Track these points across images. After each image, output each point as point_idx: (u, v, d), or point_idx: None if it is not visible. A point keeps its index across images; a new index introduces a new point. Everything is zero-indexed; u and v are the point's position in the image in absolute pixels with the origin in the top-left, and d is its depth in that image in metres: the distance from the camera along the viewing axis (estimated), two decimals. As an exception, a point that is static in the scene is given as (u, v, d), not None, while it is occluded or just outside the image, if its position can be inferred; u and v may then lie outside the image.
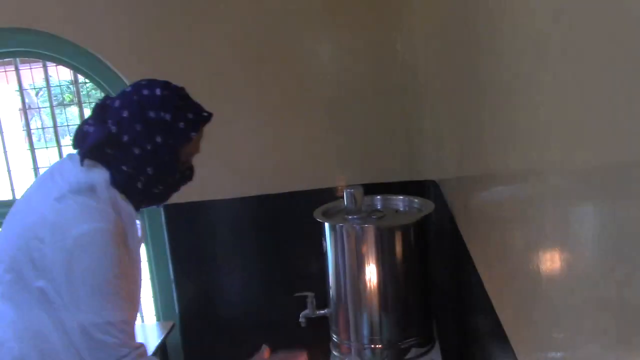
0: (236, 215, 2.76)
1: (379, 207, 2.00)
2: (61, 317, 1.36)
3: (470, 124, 1.45)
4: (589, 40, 0.59)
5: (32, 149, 2.95)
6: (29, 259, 1.34)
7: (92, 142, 1.42)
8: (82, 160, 1.43)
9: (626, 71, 0.50)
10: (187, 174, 1.61)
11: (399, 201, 2.02)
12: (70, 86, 3.72)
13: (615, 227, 0.56)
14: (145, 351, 1.41)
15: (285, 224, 2.76)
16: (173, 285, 2.78)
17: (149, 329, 2.75)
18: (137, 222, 1.50)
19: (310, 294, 1.92)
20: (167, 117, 1.45)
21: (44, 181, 1.49)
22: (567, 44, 0.66)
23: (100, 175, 1.43)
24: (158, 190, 1.53)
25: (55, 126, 2.98)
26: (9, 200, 2.97)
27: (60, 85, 3.82)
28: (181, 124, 1.47)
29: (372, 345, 1.81)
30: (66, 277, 1.33)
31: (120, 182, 1.44)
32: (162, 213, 2.62)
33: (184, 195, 1.69)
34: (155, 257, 2.74)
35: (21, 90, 2.95)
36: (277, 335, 1.73)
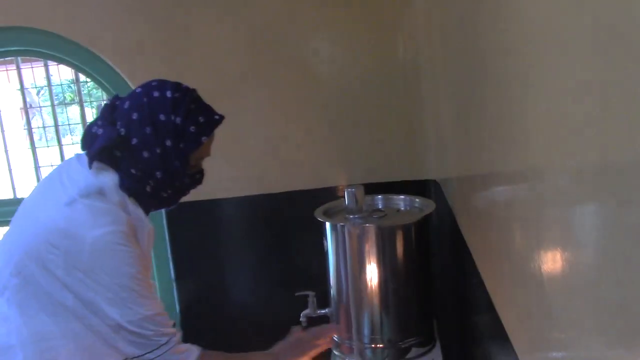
0: (237, 214, 2.76)
1: (380, 207, 2.00)
2: (71, 323, 1.35)
3: (471, 124, 1.45)
4: (590, 40, 0.59)
5: (33, 148, 2.95)
6: (39, 264, 1.33)
7: (101, 145, 1.40)
8: (90, 163, 1.41)
9: (628, 70, 0.50)
10: (197, 178, 1.58)
11: (400, 201, 2.02)
12: (72, 85, 3.73)
13: (616, 227, 0.56)
14: (180, 338, 1.43)
15: (286, 224, 2.76)
16: (174, 285, 2.78)
17: (149, 328, 2.75)
18: (149, 226, 1.49)
19: (311, 293, 1.92)
20: (178, 120, 1.43)
21: (52, 184, 1.47)
22: (569, 44, 0.66)
23: (109, 179, 1.42)
24: (167, 194, 1.51)
25: (56, 125, 2.99)
26: (10, 199, 2.97)
27: (61, 84, 3.82)
28: (192, 128, 1.45)
29: (373, 345, 1.81)
30: (89, 280, 1.32)
31: (129, 186, 1.43)
32: (163, 212, 2.62)
33: (185, 194, 1.69)
34: (156, 256, 2.74)
35: (22, 89, 2.96)
36: (278, 334, 1.73)
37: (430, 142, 2.53)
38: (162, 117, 1.42)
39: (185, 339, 1.47)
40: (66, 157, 2.87)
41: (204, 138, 1.47)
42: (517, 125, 0.95)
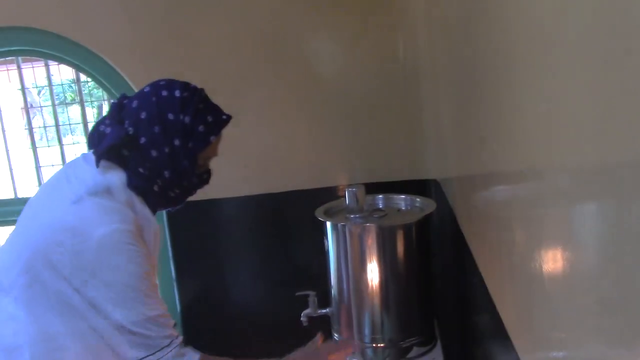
0: (238, 214, 2.76)
1: (380, 206, 2.00)
2: (77, 322, 1.35)
3: (471, 123, 1.45)
4: (590, 40, 0.59)
5: (34, 148, 2.95)
6: (46, 262, 1.32)
7: (108, 144, 1.40)
8: (97, 162, 1.41)
9: (628, 70, 0.50)
10: (204, 178, 1.58)
11: (401, 200, 2.02)
12: (72, 85, 3.73)
13: (617, 226, 0.56)
14: (182, 341, 1.42)
15: (287, 223, 2.76)
16: (175, 284, 2.78)
17: (150, 328, 2.75)
18: (155, 225, 1.49)
19: (311, 293, 1.92)
20: (187, 119, 1.43)
21: (59, 182, 1.46)
22: (569, 44, 0.66)
23: (117, 177, 1.41)
24: (174, 193, 1.51)
25: (57, 125, 2.99)
26: (11, 199, 2.98)
27: (62, 84, 3.83)
28: (200, 127, 1.45)
29: (374, 344, 1.81)
30: (95, 280, 1.31)
31: (136, 184, 1.42)
32: (164, 212, 2.62)
33: (185, 194, 1.69)
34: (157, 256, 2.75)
35: (23, 89, 2.96)
36: (279, 334, 1.73)
37: (431, 142, 2.53)
38: (170, 116, 1.43)
39: (186, 339, 1.47)
40: (67, 157, 2.90)
41: (212, 137, 1.47)
42: (518, 124, 0.95)
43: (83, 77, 2.87)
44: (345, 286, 1.83)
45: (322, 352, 1.65)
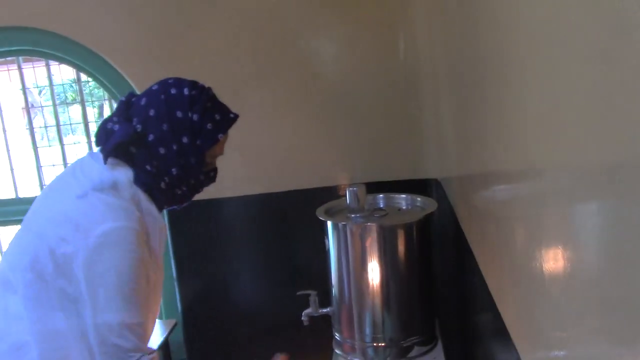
0: (238, 213, 2.76)
1: (381, 206, 2.00)
2: (79, 319, 1.34)
3: (472, 123, 1.45)
4: (591, 39, 0.59)
5: (35, 148, 2.95)
6: (50, 258, 1.32)
7: (116, 141, 1.40)
8: (105, 159, 1.41)
9: (629, 69, 0.50)
10: (211, 176, 1.59)
11: (402, 200, 2.02)
12: (73, 85, 3.73)
13: (618, 225, 0.56)
14: (156, 358, 1.39)
15: (287, 223, 2.76)
16: (175, 284, 2.79)
17: (151, 327, 2.76)
18: (161, 223, 1.49)
19: (312, 293, 1.92)
20: (195, 117, 1.44)
21: (66, 179, 1.47)
22: (570, 43, 0.66)
23: (123, 174, 1.41)
24: (181, 191, 1.51)
25: (57, 125, 2.99)
26: (12, 199, 2.98)
27: (63, 84, 3.83)
28: (209, 125, 1.46)
29: (375, 344, 1.81)
30: (86, 276, 1.31)
31: (144, 182, 1.43)
32: (165, 211, 2.62)
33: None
34: (158, 255, 2.75)
35: (24, 89, 2.96)
36: (280, 333, 1.73)
37: (432, 141, 2.53)
38: (179, 114, 1.43)
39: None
40: (68, 157, 2.90)
41: (220, 135, 1.48)
42: (518, 124, 0.95)
43: (84, 77, 2.87)
44: (346, 286, 1.83)
45: None
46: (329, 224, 1.83)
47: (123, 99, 1.51)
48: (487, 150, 1.26)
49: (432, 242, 1.90)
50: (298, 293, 1.94)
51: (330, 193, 2.55)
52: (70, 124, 3.50)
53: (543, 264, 0.84)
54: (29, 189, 3.18)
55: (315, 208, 1.92)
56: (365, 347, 1.82)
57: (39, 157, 2.97)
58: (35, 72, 3.15)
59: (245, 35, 2.57)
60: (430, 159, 2.57)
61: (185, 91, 1.45)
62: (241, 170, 2.63)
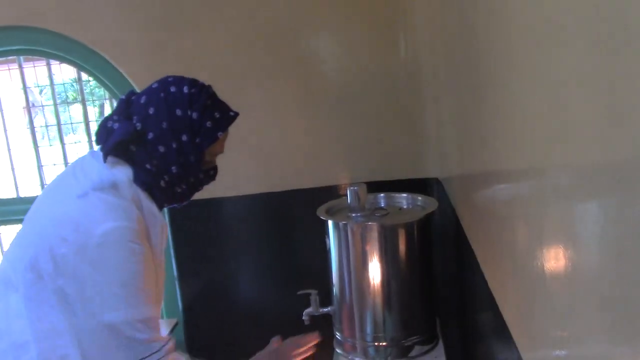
0: (239, 213, 2.76)
1: (382, 205, 2.00)
2: (79, 319, 1.34)
3: (472, 122, 1.45)
4: (592, 38, 0.59)
5: (36, 147, 2.95)
6: (50, 258, 1.32)
7: (116, 139, 1.40)
8: (105, 157, 1.41)
9: (630, 68, 0.50)
10: (210, 174, 1.59)
11: (403, 199, 2.02)
12: (74, 84, 3.73)
13: (619, 225, 0.56)
14: (173, 346, 1.41)
15: (288, 222, 2.76)
16: (176, 283, 2.79)
17: (152, 327, 2.76)
18: (162, 221, 1.49)
19: (313, 292, 1.93)
20: (195, 115, 1.44)
21: (66, 178, 1.47)
22: (571, 42, 0.66)
23: (123, 173, 1.41)
24: (181, 189, 1.51)
25: (58, 124, 2.99)
26: (13, 199, 2.98)
27: (63, 83, 3.82)
28: (208, 123, 1.46)
29: (376, 343, 1.81)
30: (91, 276, 1.31)
31: (143, 180, 1.43)
32: (166, 210, 2.62)
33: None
34: (159, 254, 2.75)
35: (25, 88, 2.96)
36: (281, 333, 1.73)
37: (432, 141, 2.53)
38: (178, 112, 1.43)
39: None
40: (69, 156, 2.90)
41: (219, 133, 1.48)
42: (519, 123, 0.95)
43: (85, 76, 2.87)
44: (347, 285, 1.83)
45: (284, 350, 1.65)
46: (330, 223, 1.83)
47: (123, 97, 1.51)
48: (488, 150, 1.26)
49: (433, 241, 1.90)
50: (299, 292, 1.94)
51: (331, 192, 2.55)
52: (71, 123, 3.50)
53: (544, 263, 0.83)
54: (30, 188, 3.18)
55: (316, 207, 1.92)
56: (366, 347, 1.82)
57: (39, 157, 2.97)
58: (36, 71, 3.15)
59: (246, 34, 2.57)
60: (431, 158, 2.56)
61: (185, 89, 1.45)
62: (242, 169, 2.63)
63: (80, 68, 2.73)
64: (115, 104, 2.75)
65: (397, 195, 2.03)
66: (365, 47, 2.58)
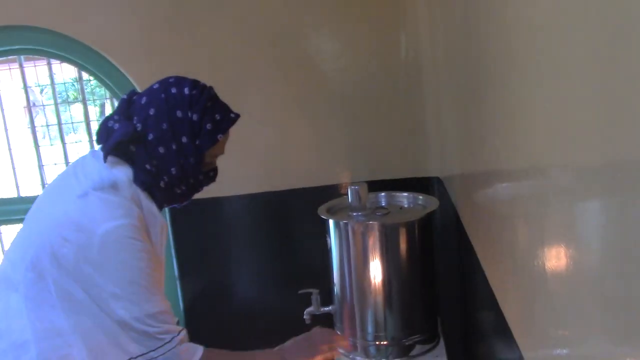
0: (240, 212, 2.76)
1: (383, 204, 2.00)
2: (81, 318, 1.35)
3: (473, 121, 1.45)
4: (593, 37, 0.59)
5: (37, 146, 2.95)
6: (52, 258, 1.33)
7: (116, 139, 1.40)
8: (105, 157, 1.41)
9: (632, 67, 0.50)
10: (210, 175, 1.60)
11: (404, 198, 2.02)
12: (75, 84, 3.73)
13: (621, 224, 0.56)
14: (186, 336, 1.42)
15: (289, 221, 2.76)
16: (177, 283, 2.79)
17: (153, 326, 2.76)
18: (162, 221, 1.49)
19: (314, 291, 1.93)
20: (195, 117, 1.44)
21: (67, 178, 1.47)
22: (572, 41, 0.66)
23: (123, 173, 1.42)
24: (180, 190, 1.51)
25: (59, 124, 2.99)
26: (14, 198, 2.98)
27: (64, 83, 3.82)
28: (208, 125, 1.45)
29: (377, 342, 1.81)
30: (99, 275, 1.31)
31: (143, 180, 1.43)
32: (167, 210, 2.62)
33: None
34: (160, 254, 2.75)
35: (25, 87, 2.96)
36: (282, 332, 1.73)
37: (433, 140, 2.53)
38: (179, 113, 1.43)
39: (190, 337, 1.47)
40: (69, 155, 2.90)
41: (219, 135, 1.48)
42: (521, 122, 0.95)
43: (85, 75, 2.87)
44: (348, 284, 1.83)
45: (314, 341, 1.65)
46: (331, 222, 1.83)
47: (124, 97, 1.51)
48: (489, 149, 1.26)
49: (434, 240, 1.90)
50: (300, 292, 1.94)
51: (332, 191, 2.55)
52: (72, 122, 3.49)
53: (545, 262, 0.83)
54: (31, 187, 3.18)
55: (317, 206, 1.92)
56: (367, 346, 1.82)
57: (40, 156, 2.97)
58: (37, 70, 3.15)
59: (246, 34, 2.57)
60: (432, 157, 2.56)
61: (186, 90, 1.45)
62: (243, 168, 2.63)
63: (81, 67, 2.73)
64: (116, 104, 2.76)
65: (398, 194, 2.03)
66: (366, 46, 2.57)
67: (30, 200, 1.52)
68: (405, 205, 1.99)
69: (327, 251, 1.89)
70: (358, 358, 1.84)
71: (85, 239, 1.31)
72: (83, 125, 3.05)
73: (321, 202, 1.97)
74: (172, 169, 1.44)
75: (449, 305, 2.21)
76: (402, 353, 1.81)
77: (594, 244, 0.65)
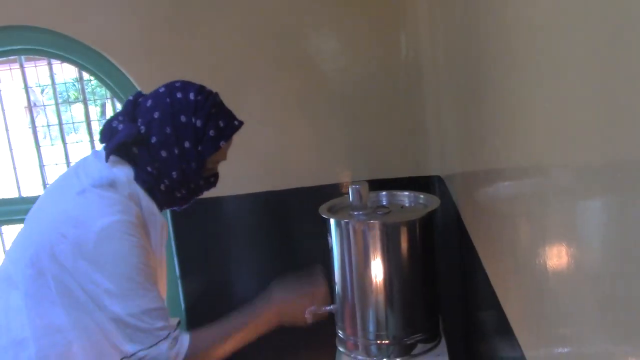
0: (242, 211, 2.76)
1: (384, 203, 2.00)
2: (81, 314, 1.36)
3: (474, 120, 1.45)
4: (594, 35, 0.59)
5: (38, 147, 2.96)
6: (51, 254, 1.34)
7: (120, 140, 1.41)
8: (107, 157, 1.42)
9: (633, 65, 0.50)
10: (211, 181, 1.61)
11: (405, 197, 2.01)
12: (75, 84, 3.73)
13: (622, 223, 0.56)
14: (179, 332, 1.43)
15: (290, 220, 2.76)
16: (179, 282, 2.79)
17: (155, 326, 2.76)
18: (162, 219, 1.50)
19: (316, 290, 1.92)
20: (199, 123, 1.45)
21: (68, 178, 1.48)
22: (573, 40, 0.66)
23: (123, 172, 1.43)
24: (180, 194, 1.52)
25: (60, 124, 2.99)
26: (15, 198, 2.98)
27: (65, 83, 3.82)
28: (211, 132, 1.46)
29: (378, 341, 1.81)
30: (92, 272, 1.32)
31: (144, 180, 1.44)
32: (168, 210, 2.62)
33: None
34: (161, 253, 2.75)
35: (26, 87, 2.96)
36: (283, 331, 1.73)
37: (434, 138, 2.53)
38: (183, 118, 1.44)
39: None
40: (70, 155, 2.90)
41: (222, 143, 1.49)
42: (522, 121, 0.95)
43: (86, 75, 2.87)
44: (349, 283, 1.83)
45: (296, 307, 1.67)
46: (332, 221, 1.83)
47: (130, 98, 1.52)
48: (490, 148, 1.26)
49: (435, 239, 1.90)
50: (301, 291, 1.93)
51: (333, 191, 2.55)
52: (73, 122, 3.50)
53: (547, 261, 0.83)
54: (32, 188, 3.19)
55: (318, 206, 1.92)
56: (368, 345, 1.82)
57: (41, 156, 2.97)
58: (38, 71, 3.15)
59: (247, 34, 2.57)
60: (433, 156, 2.56)
61: (191, 96, 1.46)
62: (243, 168, 2.62)
63: (81, 67, 2.73)
64: (117, 104, 2.77)
65: (399, 193, 2.03)
66: (366, 45, 2.57)
67: (31, 200, 1.53)
68: (407, 204, 1.99)
69: (328, 250, 1.89)
70: (359, 357, 1.84)
71: (81, 234, 1.33)
72: (84, 125, 3.06)
73: (322, 201, 1.97)
74: (173, 173, 1.45)
75: (450, 304, 2.21)
76: (404, 352, 1.81)
77: (595, 243, 0.65)
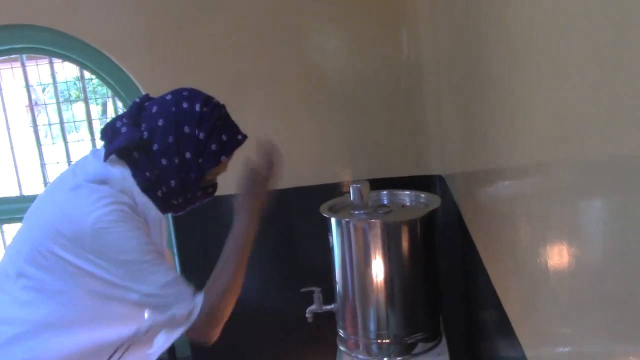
0: (242, 210, 2.76)
1: (385, 202, 2.00)
2: (80, 310, 1.37)
3: (475, 119, 1.45)
4: (595, 34, 0.59)
5: (39, 145, 2.96)
6: (48, 250, 1.34)
7: (121, 144, 1.41)
8: (106, 157, 1.42)
9: (633, 65, 0.50)
10: (209, 192, 1.61)
11: (406, 196, 2.02)
12: (77, 82, 3.74)
13: (622, 221, 0.56)
14: (199, 300, 1.54)
15: (291, 219, 2.76)
16: (180, 281, 2.79)
17: (156, 324, 2.76)
18: (159, 215, 1.50)
19: (316, 289, 1.93)
20: (202, 135, 1.45)
21: (65, 175, 1.49)
22: (574, 39, 0.66)
23: (119, 172, 1.43)
24: (177, 202, 1.53)
25: (61, 122, 2.99)
26: (16, 197, 2.99)
27: (66, 82, 3.83)
28: (213, 146, 1.46)
29: (379, 341, 1.81)
30: (102, 262, 1.33)
31: (141, 186, 1.45)
32: (169, 209, 2.62)
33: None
34: (162, 252, 2.75)
35: (27, 86, 2.96)
36: (284, 330, 1.74)
37: (435, 138, 2.52)
38: (186, 129, 1.44)
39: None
40: (71, 154, 2.90)
41: (223, 157, 1.50)
42: (523, 120, 0.95)
43: (87, 74, 2.87)
44: (350, 282, 1.83)
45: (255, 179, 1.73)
46: (333, 220, 1.83)
47: (137, 100, 1.52)
48: (491, 147, 1.26)
49: (436, 238, 1.90)
50: (302, 290, 1.94)
51: (334, 190, 2.55)
52: (74, 121, 3.51)
53: (547, 260, 0.83)
54: (33, 186, 3.19)
55: (319, 205, 1.92)
56: (369, 344, 1.82)
57: (42, 155, 2.97)
58: (39, 69, 3.16)
59: (248, 33, 2.57)
60: (434, 155, 2.56)
61: (197, 107, 1.45)
62: (244, 167, 2.62)
63: (82, 66, 2.73)
64: (117, 103, 2.77)
65: (400, 192, 2.03)
66: (367, 44, 2.57)
67: (32, 199, 1.54)
68: (408, 204, 1.99)
69: (329, 249, 1.89)
70: (360, 356, 1.84)
71: (78, 230, 1.33)
72: (85, 124, 3.06)
73: (323, 200, 1.97)
74: (172, 182, 1.45)
75: (451, 303, 2.21)
76: (405, 351, 1.81)
77: (595, 243, 0.65)
